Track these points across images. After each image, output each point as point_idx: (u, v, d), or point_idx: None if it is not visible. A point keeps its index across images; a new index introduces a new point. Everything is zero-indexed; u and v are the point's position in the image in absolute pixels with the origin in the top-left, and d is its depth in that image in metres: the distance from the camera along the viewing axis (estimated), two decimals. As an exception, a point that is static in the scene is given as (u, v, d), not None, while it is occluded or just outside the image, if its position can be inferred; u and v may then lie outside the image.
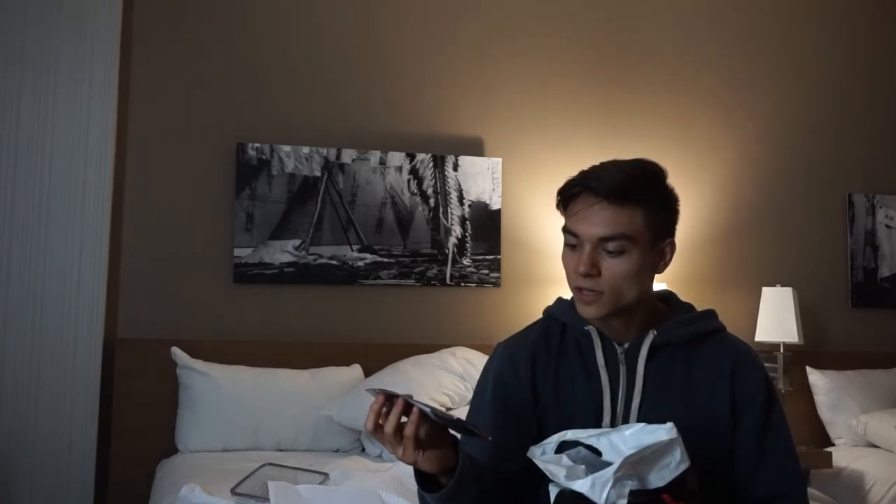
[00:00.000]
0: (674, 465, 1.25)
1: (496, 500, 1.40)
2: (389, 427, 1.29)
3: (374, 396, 1.31)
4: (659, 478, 1.24)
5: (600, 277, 1.43)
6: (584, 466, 1.27)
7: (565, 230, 1.48)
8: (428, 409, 1.27)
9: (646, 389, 1.46)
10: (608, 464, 1.26)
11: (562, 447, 1.32)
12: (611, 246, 1.42)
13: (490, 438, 1.32)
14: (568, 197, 1.47)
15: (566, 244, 1.49)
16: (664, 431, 1.26)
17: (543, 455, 1.31)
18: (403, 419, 1.30)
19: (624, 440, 1.29)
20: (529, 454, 1.32)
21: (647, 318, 1.50)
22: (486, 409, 1.51)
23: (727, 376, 1.48)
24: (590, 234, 1.43)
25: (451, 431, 1.33)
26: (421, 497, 1.41)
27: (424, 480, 1.36)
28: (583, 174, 1.46)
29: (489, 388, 1.53)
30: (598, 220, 1.42)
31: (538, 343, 1.53)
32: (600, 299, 1.44)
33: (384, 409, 1.30)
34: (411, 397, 1.30)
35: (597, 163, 1.49)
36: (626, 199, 1.41)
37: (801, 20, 4.23)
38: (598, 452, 1.31)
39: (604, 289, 1.43)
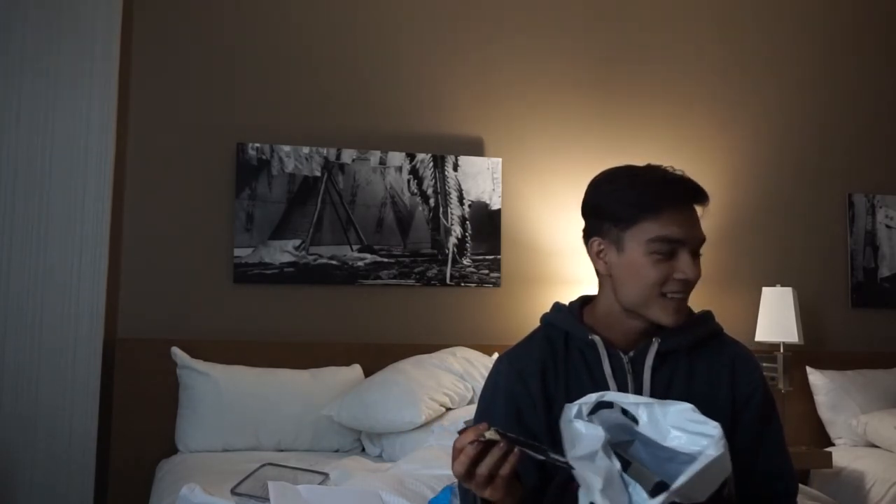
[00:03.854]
0: (716, 479, 1.19)
1: None
2: (486, 471, 1.22)
3: (475, 433, 1.23)
4: (700, 494, 1.18)
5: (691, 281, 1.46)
6: (618, 467, 1.19)
7: (661, 239, 1.42)
8: (536, 456, 1.21)
9: (652, 397, 1.46)
10: (644, 437, 1.22)
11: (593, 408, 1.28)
12: (699, 248, 1.47)
13: (574, 468, 1.26)
14: (653, 206, 1.42)
15: (655, 253, 1.42)
16: (712, 430, 1.19)
17: (577, 417, 1.24)
18: None
19: (665, 416, 1.23)
20: (564, 414, 1.26)
21: (646, 323, 1.50)
22: (500, 425, 1.48)
23: (726, 378, 1.49)
24: (694, 239, 1.45)
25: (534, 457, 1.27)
26: None
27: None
28: (660, 180, 1.44)
29: (500, 406, 1.50)
30: (695, 224, 1.45)
31: (545, 355, 1.51)
32: (686, 303, 1.48)
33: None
34: (517, 439, 1.23)
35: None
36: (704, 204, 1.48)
37: (801, 21, 4.23)
38: (634, 421, 1.26)
39: (690, 291, 1.47)
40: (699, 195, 1.45)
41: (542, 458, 1.21)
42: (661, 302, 1.43)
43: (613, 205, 1.46)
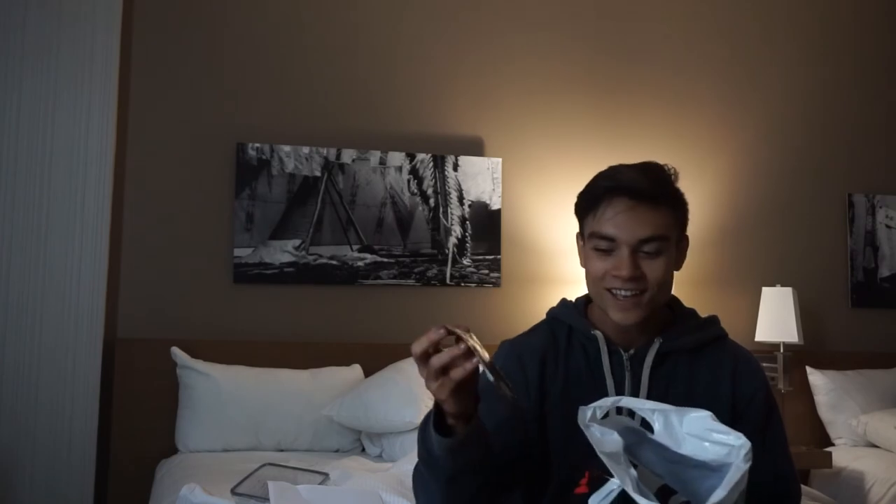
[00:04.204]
0: (737, 492, 1.15)
1: (490, 494, 1.37)
2: (438, 362, 1.21)
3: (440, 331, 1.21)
4: None
5: (640, 280, 1.42)
6: (635, 475, 1.16)
7: (596, 235, 1.43)
8: (487, 374, 1.19)
9: (650, 397, 1.46)
10: (658, 444, 1.21)
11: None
12: (649, 247, 1.42)
13: (511, 397, 1.22)
14: (594, 201, 1.44)
15: (594, 248, 1.45)
16: (735, 440, 1.16)
17: (592, 420, 1.22)
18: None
19: (682, 423, 1.21)
20: (580, 416, 1.24)
21: (653, 323, 1.49)
22: (491, 404, 1.43)
23: (728, 380, 1.49)
24: (630, 237, 1.41)
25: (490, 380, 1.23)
26: (425, 444, 1.32)
27: (437, 424, 1.30)
28: (609, 177, 1.44)
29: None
30: (638, 222, 1.41)
31: (547, 344, 1.52)
32: (640, 303, 1.43)
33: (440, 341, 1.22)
34: (476, 348, 1.20)
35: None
36: (660, 200, 1.43)
37: (801, 20, 4.23)
38: (649, 428, 1.24)
39: (644, 291, 1.42)
40: (638, 194, 1.41)
41: (491, 380, 1.19)
42: (608, 297, 1.44)
43: (577, 201, 1.50)
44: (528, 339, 1.56)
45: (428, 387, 1.25)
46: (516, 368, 1.51)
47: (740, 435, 1.18)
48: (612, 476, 1.18)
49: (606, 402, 1.25)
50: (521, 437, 1.42)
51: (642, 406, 1.25)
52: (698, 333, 1.51)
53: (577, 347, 1.52)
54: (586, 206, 1.47)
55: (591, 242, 1.45)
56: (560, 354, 1.51)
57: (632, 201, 1.41)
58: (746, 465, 1.14)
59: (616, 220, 1.42)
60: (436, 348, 1.22)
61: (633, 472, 1.16)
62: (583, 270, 1.50)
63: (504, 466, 1.39)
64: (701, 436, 1.20)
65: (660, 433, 1.23)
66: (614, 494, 1.22)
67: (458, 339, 1.21)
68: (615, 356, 1.49)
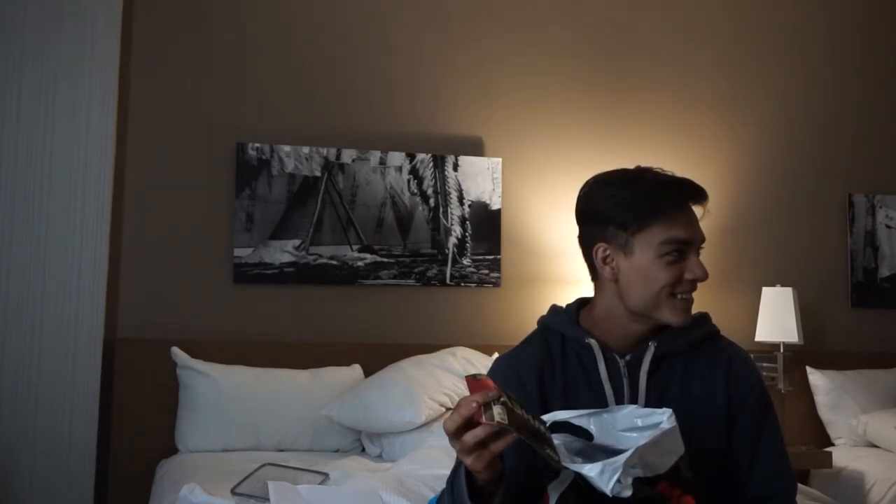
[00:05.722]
0: (673, 452, 1.25)
1: None
2: (474, 440, 1.19)
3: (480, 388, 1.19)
4: (660, 465, 1.23)
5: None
6: (581, 460, 1.25)
7: (674, 241, 1.42)
8: (535, 447, 1.20)
9: (647, 401, 1.46)
10: (601, 447, 1.25)
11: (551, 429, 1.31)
12: (701, 245, 1.48)
13: (557, 461, 1.23)
14: (664, 208, 1.43)
15: (664, 255, 1.43)
16: (660, 416, 1.25)
17: None
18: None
19: (615, 421, 1.27)
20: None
21: (647, 326, 1.50)
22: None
23: (723, 379, 1.49)
24: (700, 238, 1.47)
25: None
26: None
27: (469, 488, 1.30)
28: (666, 184, 1.45)
29: None
30: (697, 223, 1.47)
31: (542, 356, 1.51)
32: (693, 301, 1.48)
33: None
34: (526, 417, 1.19)
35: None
36: (704, 199, 1.49)
37: (800, 22, 4.23)
38: (588, 435, 1.29)
39: (695, 289, 1.48)
40: (700, 195, 1.47)
41: (536, 450, 1.20)
42: (672, 302, 1.44)
43: (618, 209, 1.45)
44: (523, 351, 1.55)
45: (462, 460, 1.23)
46: (515, 384, 1.49)
47: (665, 409, 1.25)
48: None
49: (545, 419, 1.30)
50: (528, 463, 1.42)
51: (576, 415, 1.30)
52: (691, 333, 1.51)
53: (573, 356, 1.51)
54: (651, 214, 1.43)
55: (664, 249, 1.42)
56: (556, 365, 1.51)
57: (690, 203, 1.46)
58: (669, 426, 1.23)
59: (689, 224, 1.45)
60: (468, 422, 1.19)
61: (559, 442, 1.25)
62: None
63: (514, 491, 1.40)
64: (634, 426, 1.26)
65: (599, 437, 1.28)
66: (569, 480, 1.27)
67: (485, 405, 1.18)
68: (611, 363, 1.49)
